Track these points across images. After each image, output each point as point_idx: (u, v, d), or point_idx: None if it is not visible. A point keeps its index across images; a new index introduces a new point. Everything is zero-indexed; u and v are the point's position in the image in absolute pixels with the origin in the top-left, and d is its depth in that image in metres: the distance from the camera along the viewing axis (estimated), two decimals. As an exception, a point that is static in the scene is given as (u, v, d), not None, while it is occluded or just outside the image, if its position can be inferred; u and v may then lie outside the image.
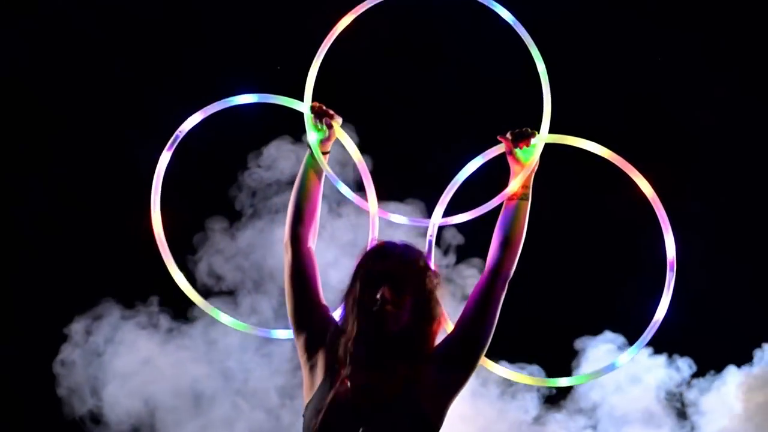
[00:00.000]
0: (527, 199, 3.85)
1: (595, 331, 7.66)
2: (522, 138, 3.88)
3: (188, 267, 7.38)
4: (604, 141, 4.18)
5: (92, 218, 8.03)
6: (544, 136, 4.00)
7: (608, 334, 7.62)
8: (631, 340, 5.44)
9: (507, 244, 3.77)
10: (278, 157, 7.35)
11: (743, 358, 7.74)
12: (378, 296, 3.70)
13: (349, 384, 3.69)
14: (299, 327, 3.91)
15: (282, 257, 3.94)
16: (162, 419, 7.28)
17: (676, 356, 7.68)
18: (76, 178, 8.06)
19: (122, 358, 7.30)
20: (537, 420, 7.41)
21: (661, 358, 7.62)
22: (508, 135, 3.94)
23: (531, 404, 7.48)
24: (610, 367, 4.23)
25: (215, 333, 7.34)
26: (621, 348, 7.37)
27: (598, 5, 8.07)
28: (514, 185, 3.85)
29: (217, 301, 7.33)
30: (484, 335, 3.75)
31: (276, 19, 7.87)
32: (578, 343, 7.62)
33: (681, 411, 7.61)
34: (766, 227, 8.19)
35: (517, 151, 3.90)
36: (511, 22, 4.04)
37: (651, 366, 7.64)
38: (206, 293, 7.36)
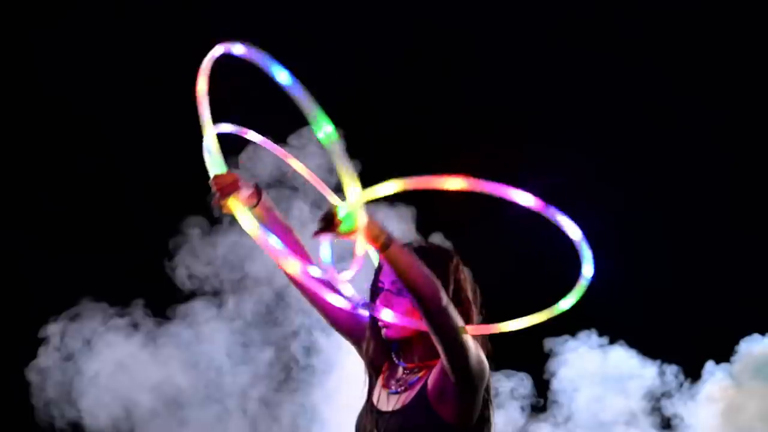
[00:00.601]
0: (389, 246, 3.41)
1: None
2: (329, 226, 3.39)
3: (166, 271, 7.23)
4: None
5: (72, 215, 7.94)
6: (353, 204, 3.41)
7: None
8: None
9: (411, 293, 3.44)
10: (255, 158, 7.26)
11: (722, 355, 7.62)
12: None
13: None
14: (346, 338, 3.90)
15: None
16: (143, 427, 7.17)
17: (657, 360, 7.59)
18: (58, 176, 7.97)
19: (101, 363, 7.16)
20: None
21: (645, 363, 7.53)
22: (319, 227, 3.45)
23: (517, 415, 7.41)
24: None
25: (197, 336, 7.23)
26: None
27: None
28: (359, 250, 3.41)
29: (200, 301, 7.19)
30: (453, 369, 3.51)
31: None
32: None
33: (665, 418, 7.54)
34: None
35: (341, 230, 3.40)
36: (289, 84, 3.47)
37: (634, 371, 7.55)
38: (188, 296, 7.25)
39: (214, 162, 3.81)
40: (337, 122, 3.37)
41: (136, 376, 7.14)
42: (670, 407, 7.48)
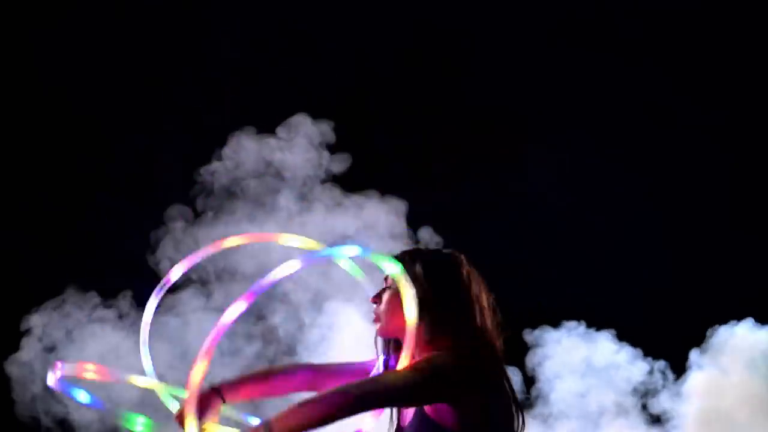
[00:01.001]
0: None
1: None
2: None
3: (150, 262, 7.19)
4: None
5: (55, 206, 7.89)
6: None
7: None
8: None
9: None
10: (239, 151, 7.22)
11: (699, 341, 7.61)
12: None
13: None
14: None
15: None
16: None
17: (641, 352, 7.58)
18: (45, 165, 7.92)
19: (85, 355, 7.10)
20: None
21: (631, 356, 7.53)
22: None
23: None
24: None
25: (183, 326, 7.18)
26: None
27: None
28: None
29: (186, 292, 7.15)
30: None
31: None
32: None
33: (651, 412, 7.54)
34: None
35: None
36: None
37: (620, 363, 7.54)
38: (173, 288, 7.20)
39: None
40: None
41: (122, 368, 7.08)
42: (656, 401, 7.47)
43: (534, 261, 7.96)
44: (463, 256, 3.67)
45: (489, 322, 3.58)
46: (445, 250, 3.73)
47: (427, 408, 3.44)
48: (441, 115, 7.93)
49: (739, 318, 7.44)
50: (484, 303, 3.60)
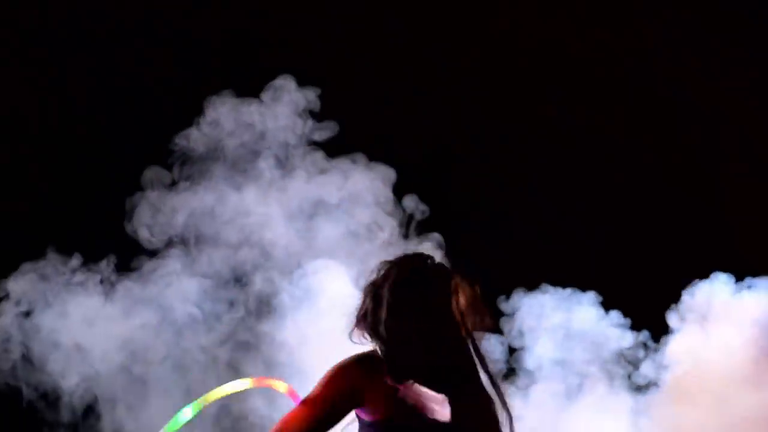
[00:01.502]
0: None
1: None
2: None
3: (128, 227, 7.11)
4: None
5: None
6: None
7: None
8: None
9: None
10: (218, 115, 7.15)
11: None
12: None
13: None
14: None
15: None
16: (111, 385, 7.06)
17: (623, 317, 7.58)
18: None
19: (65, 323, 7.04)
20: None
21: (609, 319, 7.52)
22: None
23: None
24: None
25: (162, 292, 7.12)
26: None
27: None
28: None
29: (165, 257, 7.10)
30: None
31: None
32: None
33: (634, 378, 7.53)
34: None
35: None
36: None
37: (600, 328, 7.53)
38: (153, 252, 7.14)
39: None
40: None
41: (102, 334, 7.03)
42: (639, 367, 7.47)
43: (514, 224, 7.95)
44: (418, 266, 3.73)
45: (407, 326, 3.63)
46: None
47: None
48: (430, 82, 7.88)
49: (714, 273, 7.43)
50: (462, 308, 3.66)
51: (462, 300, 3.64)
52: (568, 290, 7.47)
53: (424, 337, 3.60)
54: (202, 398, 3.89)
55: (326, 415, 3.52)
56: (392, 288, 3.64)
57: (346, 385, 3.54)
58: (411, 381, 3.54)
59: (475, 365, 3.66)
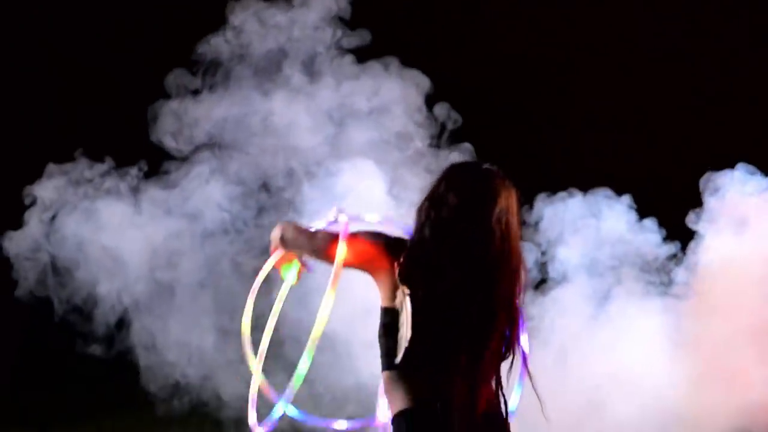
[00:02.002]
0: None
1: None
2: None
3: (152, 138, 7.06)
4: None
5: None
6: None
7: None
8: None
9: None
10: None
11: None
12: None
13: None
14: None
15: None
16: (142, 295, 7.06)
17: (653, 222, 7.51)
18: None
19: (94, 229, 7.01)
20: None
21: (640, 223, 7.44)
22: None
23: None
24: None
25: (193, 197, 7.09)
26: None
27: None
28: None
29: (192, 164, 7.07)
30: None
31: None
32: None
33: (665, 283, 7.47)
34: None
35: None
36: None
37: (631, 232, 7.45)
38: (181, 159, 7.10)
39: None
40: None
41: (131, 240, 7.01)
42: (668, 272, 7.41)
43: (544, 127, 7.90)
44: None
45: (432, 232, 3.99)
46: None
47: None
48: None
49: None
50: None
51: (510, 207, 3.97)
52: (601, 195, 7.38)
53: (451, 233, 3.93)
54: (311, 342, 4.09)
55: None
56: (447, 187, 3.99)
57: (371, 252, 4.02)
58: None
59: (494, 272, 3.92)
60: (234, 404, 7.09)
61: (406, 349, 3.87)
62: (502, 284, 3.91)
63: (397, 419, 3.89)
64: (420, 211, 4.00)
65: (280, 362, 5.82)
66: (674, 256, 7.35)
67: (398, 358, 3.87)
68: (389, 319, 3.95)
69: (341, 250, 3.99)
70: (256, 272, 7.04)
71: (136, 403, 7.47)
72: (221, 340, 7.07)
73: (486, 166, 4.02)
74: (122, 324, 7.03)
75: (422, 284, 3.90)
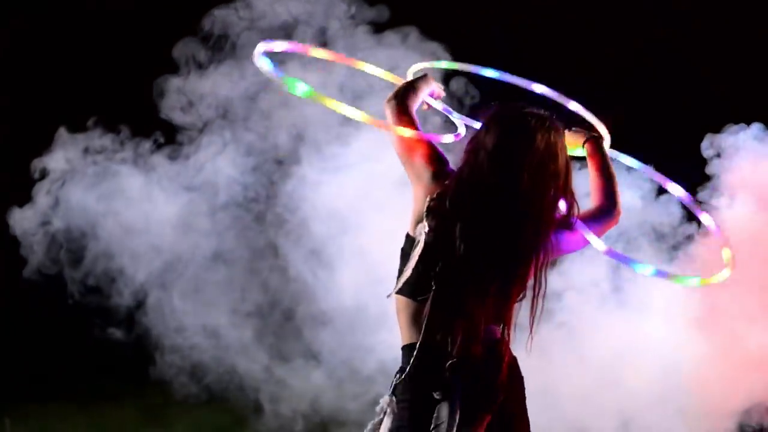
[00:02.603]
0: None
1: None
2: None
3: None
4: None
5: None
6: None
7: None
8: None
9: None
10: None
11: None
12: None
13: None
14: None
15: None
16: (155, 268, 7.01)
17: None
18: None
19: (105, 201, 6.96)
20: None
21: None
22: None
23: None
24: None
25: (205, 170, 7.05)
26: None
27: None
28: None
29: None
30: None
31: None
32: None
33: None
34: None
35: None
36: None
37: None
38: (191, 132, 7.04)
39: None
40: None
41: (143, 212, 6.96)
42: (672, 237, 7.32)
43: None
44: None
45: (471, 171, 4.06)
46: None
47: None
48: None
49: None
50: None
51: (548, 151, 4.04)
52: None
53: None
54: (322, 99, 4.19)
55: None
56: (487, 130, 4.07)
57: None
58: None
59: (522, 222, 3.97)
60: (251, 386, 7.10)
61: (410, 281, 4.00)
62: (524, 234, 3.94)
63: (402, 350, 4.04)
64: (465, 152, 4.07)
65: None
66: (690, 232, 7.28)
67: (398, 286, 4.02)
68: (407, 246, 4.06)
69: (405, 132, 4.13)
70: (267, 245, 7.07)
71: (152, 385, 7.41)
72: (236, 318, 7.06)
73: (527, 108, 4.06)
74: (136, 303, 7.00)
75: (442, 223, 3.98)
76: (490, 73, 4.77)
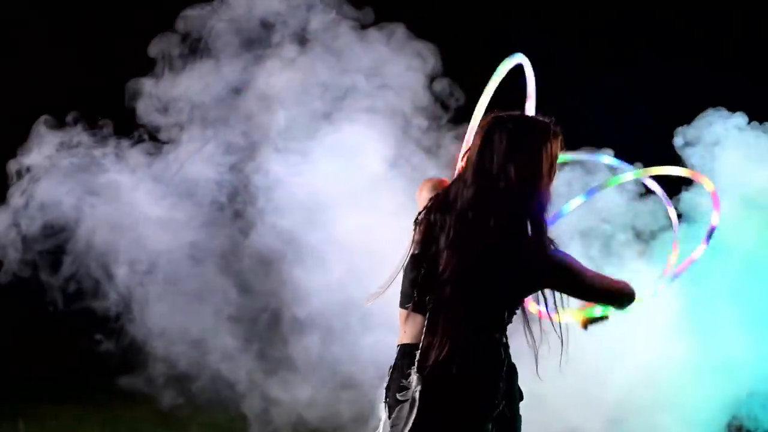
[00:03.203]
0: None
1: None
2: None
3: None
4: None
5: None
6: None
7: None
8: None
9: None
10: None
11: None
12: None
13: None
14: None
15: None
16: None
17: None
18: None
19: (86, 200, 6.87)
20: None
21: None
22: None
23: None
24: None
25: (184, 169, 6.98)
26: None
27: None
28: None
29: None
30: None
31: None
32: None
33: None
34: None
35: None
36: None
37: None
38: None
39: None
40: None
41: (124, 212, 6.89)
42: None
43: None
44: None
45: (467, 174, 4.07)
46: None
47: None
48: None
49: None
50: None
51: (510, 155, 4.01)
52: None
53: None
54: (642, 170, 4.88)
55: None
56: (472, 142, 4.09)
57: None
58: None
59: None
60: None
61: (401, 290, 4.10)
62: (501, 246, 3.95)
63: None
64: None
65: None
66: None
67: (379, 293, 4.16)
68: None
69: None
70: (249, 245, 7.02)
71: (164, 386, 7.36)
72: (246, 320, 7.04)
73: (496, 113, 4.08)
74: (120, 307, 6.93)
75: (429, 234, 4.04)
76: (607, 159, 5.36)
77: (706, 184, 5.04)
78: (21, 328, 9.02)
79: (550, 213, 4.03)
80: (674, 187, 6.89)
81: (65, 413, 9.02)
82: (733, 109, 7.05)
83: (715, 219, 4.91)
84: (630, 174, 5.17)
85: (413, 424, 3.95)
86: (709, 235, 4.89)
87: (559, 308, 4.09)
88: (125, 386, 7.31)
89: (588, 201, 5.77)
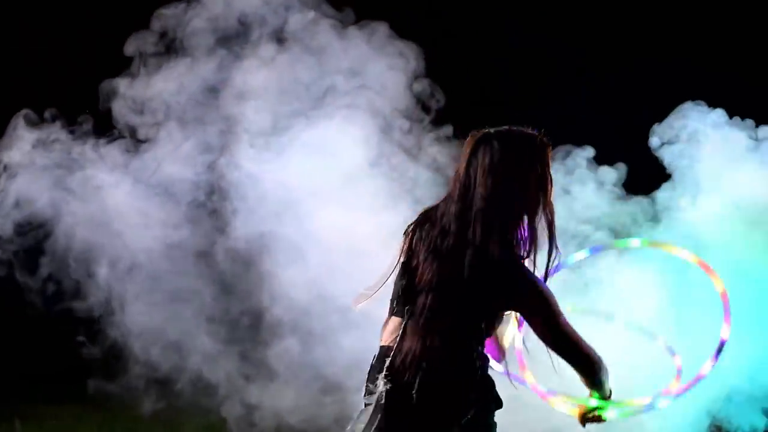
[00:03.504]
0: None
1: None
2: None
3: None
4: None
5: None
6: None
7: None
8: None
9: None
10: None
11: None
12: None
13: None
14: None
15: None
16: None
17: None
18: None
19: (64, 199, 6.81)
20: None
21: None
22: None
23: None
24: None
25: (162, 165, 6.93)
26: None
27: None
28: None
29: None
30: None
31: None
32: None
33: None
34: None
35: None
36: None
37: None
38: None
39: None
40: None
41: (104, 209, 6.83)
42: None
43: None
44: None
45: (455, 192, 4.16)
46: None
47: None
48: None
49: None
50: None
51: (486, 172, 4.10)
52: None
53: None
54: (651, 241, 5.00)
55: None
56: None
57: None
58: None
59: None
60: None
61: (392, 296, 4.20)
62: (477, 261, 4.03)
63: None
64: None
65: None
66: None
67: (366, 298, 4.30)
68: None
69: None
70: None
71: (162, 387, 7.33)
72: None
73: (485, 129, 4.16)
74: (100, 308, 6.89)
75: (410, 245, 4.18)
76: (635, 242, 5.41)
77: (716, 282, 4.75)
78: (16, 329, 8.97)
79: (554, 225, 4.14)
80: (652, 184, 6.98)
81: (65, 413, 9.04)
82: (713, 104, 7.05)
83: (725, 332, 4.65)
84: (636, 241, 5.39)
85: (376, 427, 4.06)
86: (719, 351, 4.60)
87: (557, 397, 4.35)
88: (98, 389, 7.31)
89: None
